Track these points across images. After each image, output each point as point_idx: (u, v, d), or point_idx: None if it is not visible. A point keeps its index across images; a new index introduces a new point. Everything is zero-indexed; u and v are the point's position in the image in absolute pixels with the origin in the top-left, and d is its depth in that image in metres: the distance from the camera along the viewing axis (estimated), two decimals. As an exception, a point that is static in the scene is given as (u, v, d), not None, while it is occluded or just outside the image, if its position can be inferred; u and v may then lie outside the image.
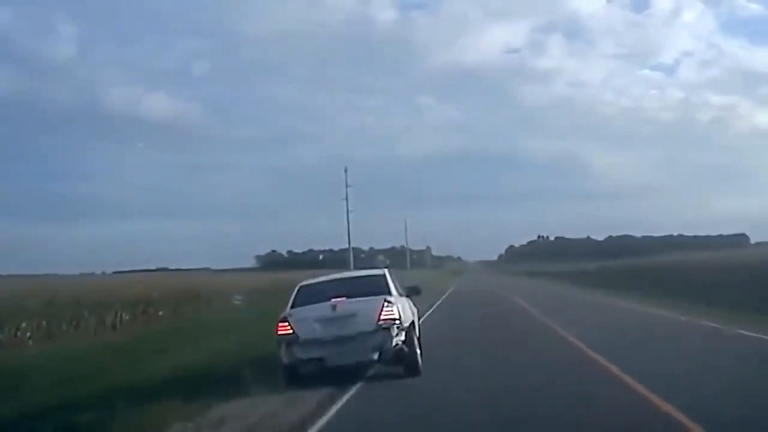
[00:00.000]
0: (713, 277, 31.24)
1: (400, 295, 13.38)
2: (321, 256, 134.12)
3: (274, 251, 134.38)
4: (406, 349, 12.11)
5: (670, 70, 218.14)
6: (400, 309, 12.27)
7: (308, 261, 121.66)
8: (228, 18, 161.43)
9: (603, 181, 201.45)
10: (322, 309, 12.04)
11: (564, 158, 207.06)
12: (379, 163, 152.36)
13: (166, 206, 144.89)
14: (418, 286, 16.21)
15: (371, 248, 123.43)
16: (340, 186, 63.80)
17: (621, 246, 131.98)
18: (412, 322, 13.03)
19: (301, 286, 13.21)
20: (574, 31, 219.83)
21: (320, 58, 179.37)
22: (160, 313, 26.54)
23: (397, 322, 12.02)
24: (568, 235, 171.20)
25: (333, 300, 12.12)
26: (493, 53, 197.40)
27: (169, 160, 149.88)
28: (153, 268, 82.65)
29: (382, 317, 11.91)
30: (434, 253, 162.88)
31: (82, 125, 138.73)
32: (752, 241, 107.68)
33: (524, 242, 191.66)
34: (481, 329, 21.36)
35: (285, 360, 11.88)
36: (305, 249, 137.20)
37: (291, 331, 11.78)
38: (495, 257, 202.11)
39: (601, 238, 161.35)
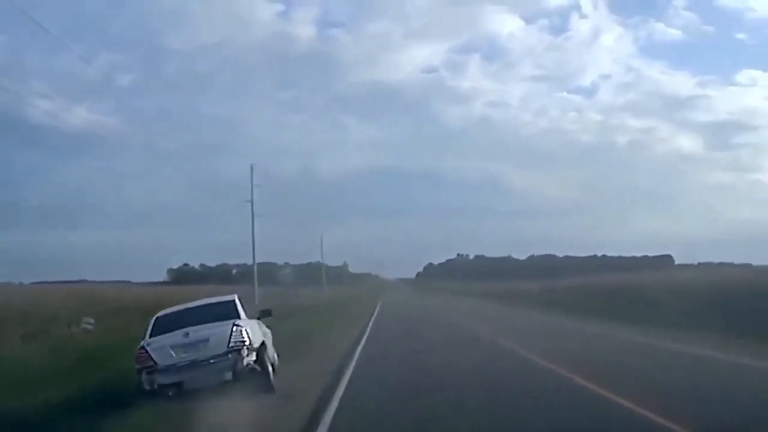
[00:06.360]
0: (675, 299, 27.28)
1: (250, 318, 14.01)
2: (234, 270, 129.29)
3: (186, 264, 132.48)
4: (258, 368, 12.73)
5: (588, 92, 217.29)
6: (249, 331, 12.85)
7: (220, 274, 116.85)
8: (152, 31, 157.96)
9: (525, 201, 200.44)
10: (176, 336, 12.53)
11: (485, 177, 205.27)
12: (298, 179, 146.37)
13: (87, 217, 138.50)
14: (270, 309, 16.52)
15: (286, 263, 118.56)
16: (256, 199, 58.74)
17: (543, 265, 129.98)
18: (263, 342, 13.56)
19: (158, 317, 13.68)
20: (493, 53, 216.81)
21: (242, 72, 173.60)
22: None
23: (247, 343, 12.61)
24: (488, 254, 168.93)
25: (186, 328, 12.60)
26: (413, 72, 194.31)
27: (88, 171, 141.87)
28: (74, 279, 76.60)
29: (232, 340, 12.50)
30: (352, 269, 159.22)
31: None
32: (677, 262, 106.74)
33: (443, 260, 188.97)
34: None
35: (146, 387, 12.13)
36: (219, 263, 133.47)
37: (150, 360, 12.22)
38: (413, 275, 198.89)
39: (522, 257, 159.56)
